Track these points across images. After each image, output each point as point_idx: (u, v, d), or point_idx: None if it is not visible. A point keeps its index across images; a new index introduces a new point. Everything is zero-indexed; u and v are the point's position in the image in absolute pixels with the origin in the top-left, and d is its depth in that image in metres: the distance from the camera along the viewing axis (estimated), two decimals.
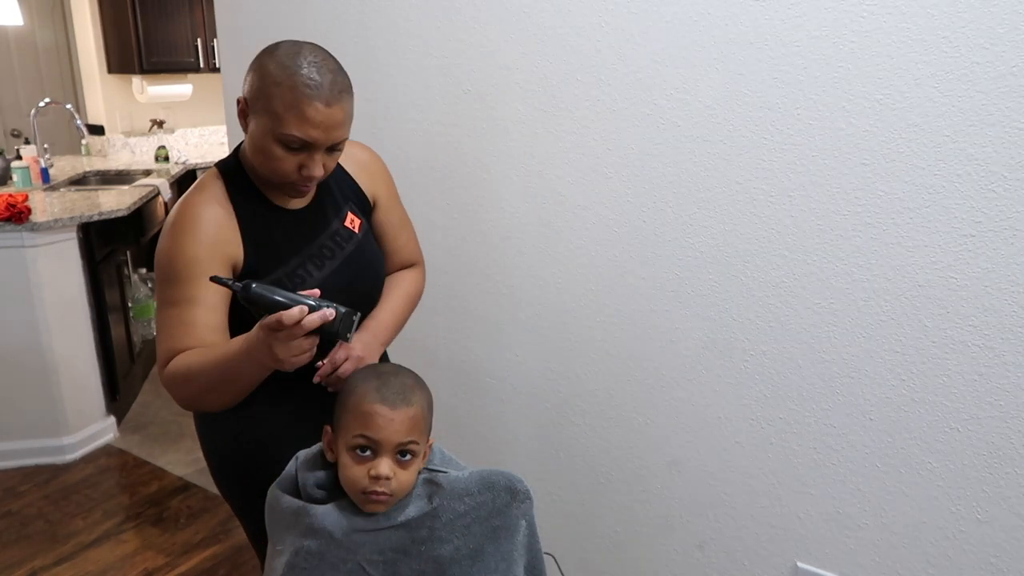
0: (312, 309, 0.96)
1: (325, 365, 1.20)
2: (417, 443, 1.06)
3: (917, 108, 1.22)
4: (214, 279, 1.00)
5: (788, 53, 1.30)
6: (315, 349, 1.01)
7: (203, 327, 1.12)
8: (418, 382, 1.10)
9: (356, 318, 1.01)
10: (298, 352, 0.98)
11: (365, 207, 1.32)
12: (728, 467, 1.56)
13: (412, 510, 1.08)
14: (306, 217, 1.24)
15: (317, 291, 1.01)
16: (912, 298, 1.29)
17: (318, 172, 1.12)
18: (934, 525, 1.37)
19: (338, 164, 1.25)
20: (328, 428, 1.10)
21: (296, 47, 1.09)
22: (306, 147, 1.09)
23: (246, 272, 1.17)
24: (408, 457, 1.05)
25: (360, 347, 1.24)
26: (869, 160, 1.27)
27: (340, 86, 1.09)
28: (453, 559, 1.07)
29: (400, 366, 1.13)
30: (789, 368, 1.44)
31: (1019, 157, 1.17)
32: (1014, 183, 1.18)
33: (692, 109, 1.41)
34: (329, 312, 0.97)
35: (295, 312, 0.94)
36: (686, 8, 1.37)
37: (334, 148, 1.13)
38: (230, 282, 0.99)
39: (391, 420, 1.02)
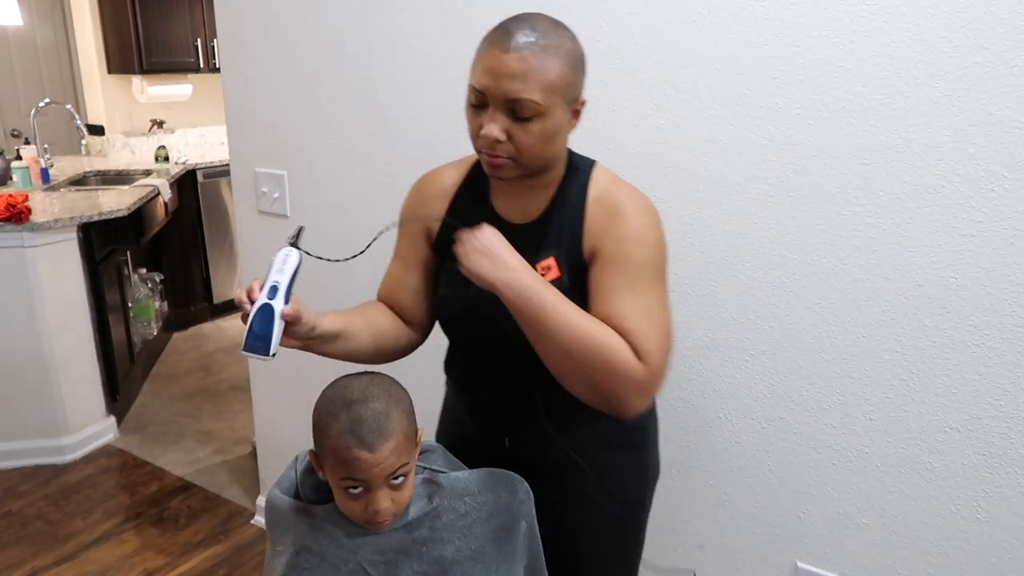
0: (261, 294, 0.98)
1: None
2: (407, 463, 1.02)
3: (917, 108, 1.22)
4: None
5: (788, 53, 1.30)
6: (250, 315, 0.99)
7: (395, 280, 1.26)
8: (390, 399, 1.02)
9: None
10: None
11: (574, 259, 1.09)
12: (728, 467, 1.56)
13: (413, 511, 1.08)
14: (506, 234, 1.08)
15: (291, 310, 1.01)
16: (912, 298, 1.29)
17: (493, 132, 1.00)
18: (934, 525, 1.37)
19: (582, 207, 1.09)
20: (312, 452, 1.07)
21: (516, 17, 1.03)
22: (483, 103, 1.02)
23: (435, 243, 1.22)
24: (401, 479, 1.02)
25: (481, 241, 1.05)
26: (869, 160, 1.27)
27: (532, 39, 0.98)
28: (454, 559, 1.07)
29: (368, 379, 1.04)
30: (789, 368, 1.44)
31: (1019, 157, 1.17)
32: (1014, 183, 1.18)
33: (692, 109, 1.41)
34: (248, 308, 0.98)
35: (244, 290, 1.00)
36: (686, 8, 1.37)
37: (518, 113, 1.00)
38: (292, 237, 1.06)
39: (374, 462, 0.97)
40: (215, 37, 2.55)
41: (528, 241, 1.11)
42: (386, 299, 1.27)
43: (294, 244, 1.03)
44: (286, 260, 1.01)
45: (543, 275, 1.08)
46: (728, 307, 1.47)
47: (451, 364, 1.30)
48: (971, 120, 1.18)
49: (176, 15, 4.30)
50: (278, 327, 0.97)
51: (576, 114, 1.08)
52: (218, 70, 2.63)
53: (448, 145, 1.74)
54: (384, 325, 1.22)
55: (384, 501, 1.00)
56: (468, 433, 1.28)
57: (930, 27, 1.18)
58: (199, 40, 4.43)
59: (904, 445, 1.36)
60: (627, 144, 1.50)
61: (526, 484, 1.18)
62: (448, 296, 1.19)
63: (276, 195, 2.06)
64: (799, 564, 1.53)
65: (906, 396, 1.34)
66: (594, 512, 1.24)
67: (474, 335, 1.19)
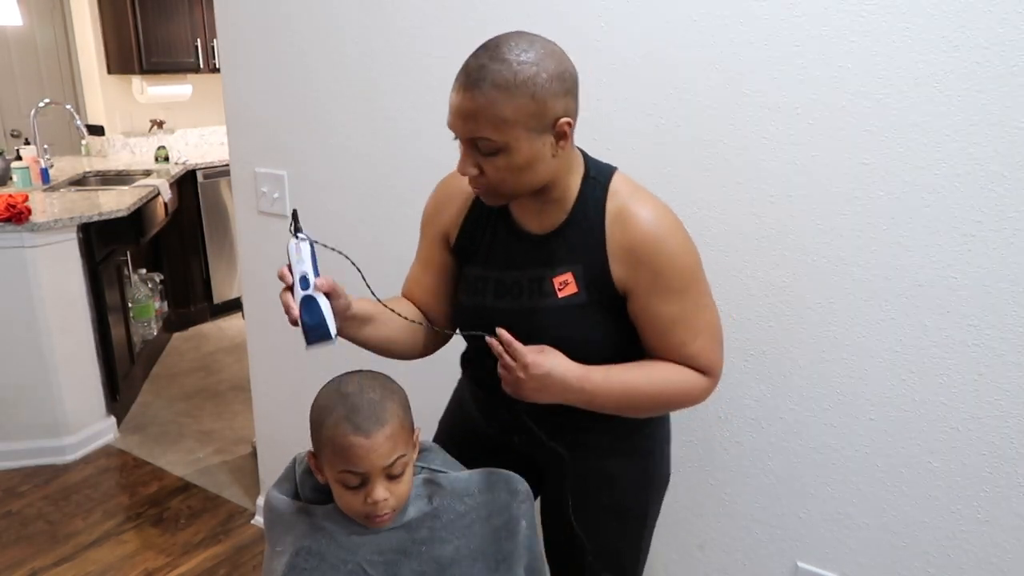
0: (296, 289, 1.02)
1: (509, 341, 1.07)
2: (404, 454, 1.02)
3: (917, 108, 1.22)
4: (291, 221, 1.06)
5: (788, 53, 1.30)
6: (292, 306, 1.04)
7: (413, 280, 1.29)
8: (386, 390, 1.04)
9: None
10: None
11: (601, 287, 1.10)
12: (728, 467, 1.56)
13: (412, 511, 1.08)
14: (523, 246, 1.14)
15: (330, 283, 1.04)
16: (912, 298, 1.29)
17: (463, 168, 1.03)
18: (934, 525, 1.37)
19: (602, 224, 1.09)
20: (311, 453, 1.08)
21: (489, 41, 1.00)
22: (458, 137, 1.03)
23: (453, 247, 1.23)
24: (399, 472, 1.02)
25: (535, 370, 1.05)
26: (869, 160, 1.27)
27: (484, 75, 0.96)
28: (453, 559, 1.07)
29: (363, 374, 1.07)
30: (789, 368, 1.44)
31: (1019, 157, 1.17)
32: (1014, 183, 1.18)
33: (692, 109, 1.41)
34: (294, 311, 1.02)
35: (281, 269, 1.03)
36: (686, 8, 1.37)
37: (481, 149, 1.01)
38: (290, 226, 1.05)
39: (370, 449, 0.98)
40: (215, 37, 2.55)
41: (544, 253, 1.12)
42: (408, 298, 1.29)
43: (298, 230, 1.05)
44: (299, 250, 1.03)
45: (560, 289, 1.10)
46: (728, 307, 1.47)
47: (468, 360, 1.31)
48: (971, 120, 1.18)
49: (176, 15, 4.31)
50: (326, 308, 1.02)
51: (562, 135, 1.03)
52: (218, 70, 2.63)
53: (448, 145, 1.74)
54: (413, 318, 1.23)
55: (382, 492, 1.00)
56: (479, 428, 1.29)
57: (930, 27, 1.18)
58: (199, 40, 4.43)
59: (904, 445, 1.36)
60: (627, 144, 1.49)
61: (526, 484, 1.18)
62: (467, 304, 1.20)
63: (276, 195, 2.06)
64: (799, 564, 1.53)
65: (906, 396, 1.34)
66: (596, 515, 1.25)
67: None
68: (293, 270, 1.03)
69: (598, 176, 1.11)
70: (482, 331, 1.10)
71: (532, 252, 1.13)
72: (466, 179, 1.15)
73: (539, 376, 1.05)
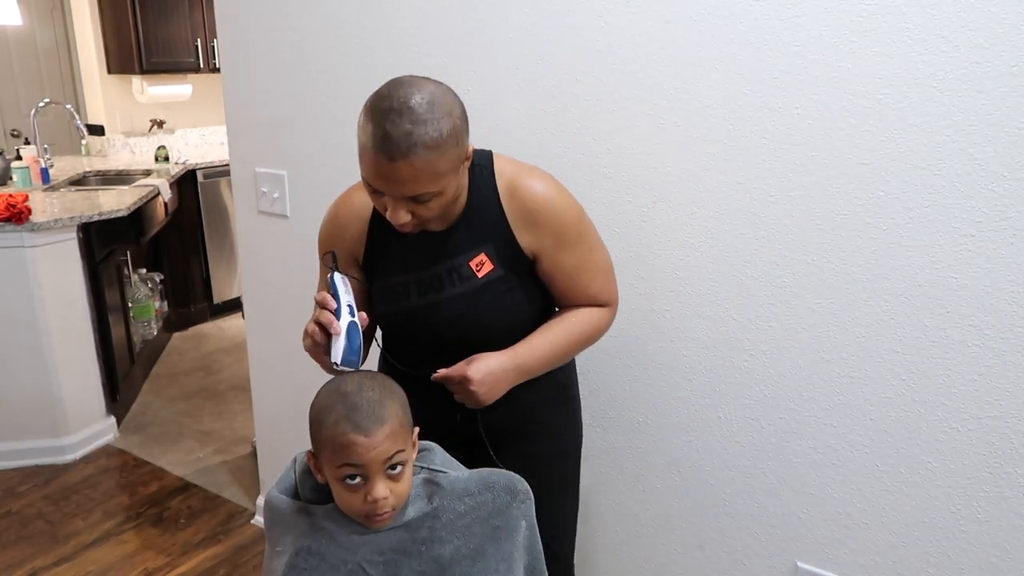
0: (342, 313, 1.11)
1: (441, 372, 1.21)
2: (403, 450, 1.03)
3: (917, 108, 1.22)
4: (326, 257, 1.19)
5: (788, 53, 1.30)
6: (315, 336, 1.12)
7: None
8: (384, 389, 1.05)
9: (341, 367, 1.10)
10: (308, 325, 1.14)
11: (512, 257, 1.22)
12: (728, 467, 1.56)
13: (412, 510, 1.08)
14: (433, 242, 1.21)
15: (366, 317, 1.13)
16: (912, 298, 1.29)
17: (398, 219, 1.08)
18: (934, 525, 1.37)
19: (498, 202, 1.19)
20: (310, 453, 1.08)
21: (388, 100, 1.03)
22: (381, 192, 1.08)
23: (363, 267, 1.29)
24: (398, 468, 1.03)
25: (477, 376, 1.18)
26: (869, 160, 1.27)
27: (413, 140, 1.00)
28: (453, 559, 1.07)
29: (362, 374, 1.08)
30: (789, 368, 1.44)
31: (1019, 157, 1.17)
32: (1014, 183, 1.18)
33: (692, 109, 1.41)
34: (338, 326, 1.10)
35: (322, 295, 1.12)
36: (686, 8, 1.37)
37: (418, 199, 1.07)
38: (333, 265, 1.16)
39: (370, 446, 0.99)
40: (215, 37, 2.55)
41: (454, 243, 1.21)
42: None
43: (337, 269, 1.16)
44: (346, 283, 1.14)
45: (478, 270, 1.21)
46: (728, 307, 1.47)
47: (392, 350, 1.34)
48: (971, 120, 1.18)
49: (176, 15, 4.31)
50: (362, 339, 1.12)
51: (469, 157, 1.13)
52: (218, 70, 2.63)
53: None
54: None
55: (382, 490, 1.01)
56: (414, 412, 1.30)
57: (930, 27, 1.18)
58: (199, 40, 4.43)
59: (904, 445, 1.36)
60: (627, 144, 1.50)
61: (525, 484, 1.18)
62: (386, 311, 1.27)
63: (276, 195, 2.06)
64: (799, 564, 1.53)
65: (906, 396, 1.34)
66: (539, 465, 1.32)
67: (416, 337, 1.28)
68: (340, 299, 1.12)
69: (482, 162, 1.21)
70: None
71: (443, 246, 1.21)
72: (357, 201, 1.26)
73: (481, 380, 1.18)
